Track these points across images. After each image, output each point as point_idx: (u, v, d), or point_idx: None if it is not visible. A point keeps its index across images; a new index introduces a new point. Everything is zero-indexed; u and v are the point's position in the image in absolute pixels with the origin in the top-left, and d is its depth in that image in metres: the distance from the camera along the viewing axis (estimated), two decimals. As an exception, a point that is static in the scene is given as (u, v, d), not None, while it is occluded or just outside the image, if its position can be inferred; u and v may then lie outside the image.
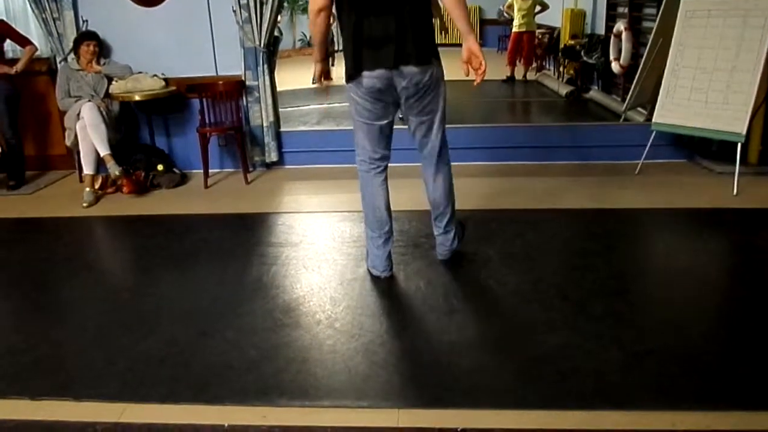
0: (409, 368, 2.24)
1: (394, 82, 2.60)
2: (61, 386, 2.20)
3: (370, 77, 2.60)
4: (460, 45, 2.64)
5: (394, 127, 2.85)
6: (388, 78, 2.59)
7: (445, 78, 2.75)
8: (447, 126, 2.85)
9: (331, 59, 10.47)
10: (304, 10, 14.08)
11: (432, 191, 2.92)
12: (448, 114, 2.84)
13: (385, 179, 2.88)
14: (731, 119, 3.97)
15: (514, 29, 8.90)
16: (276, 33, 4.66)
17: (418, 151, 2.88)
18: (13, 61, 4.54)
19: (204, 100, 4.52)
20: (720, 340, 2.37)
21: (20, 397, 2.15)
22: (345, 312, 2.63)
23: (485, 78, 2.63)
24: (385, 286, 2.88)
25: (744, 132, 3.92)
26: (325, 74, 2.97)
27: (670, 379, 2.10)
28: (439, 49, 2.71)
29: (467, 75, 2.68)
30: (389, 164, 2.89)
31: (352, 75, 2.64)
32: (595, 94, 7.22)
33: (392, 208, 2.92)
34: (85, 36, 4.47)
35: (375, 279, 2.92)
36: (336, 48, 11.45)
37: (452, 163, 2.92)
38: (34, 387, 2.20)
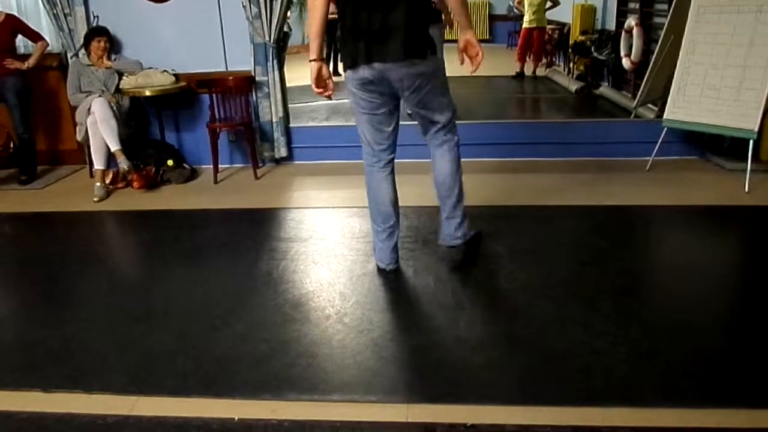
0: (418, 363, 2.25)
1: (388, 75, 2.60)
2: (72, 379, 2.22)
3: (364, 69, 2.60)
4: None
5: (401, 122, 2.84)
6: (381, 71, 2.59)
7: (453, 74, 2.74)
8: (457, 122, 2.84)
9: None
10: (314, 6, 14.05)
11: (437, 169, 2.87)
12: (455, 105, 2.83)
13: (391, 173, 2.87)
14: (743, 116, 3.94)
15: (525, 25, 8.85)
16: (285, 29, 4.67)
17: (422, 134, 2.86)
18: (25, 57, 4.57)
19: (214, 95, 4.53)
20: (730, 338, 2.36)
21: (32, 389, 2.17)
22: (354, 307, 2.64)
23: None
24: (394, 281, 2.88)
25: (756, 129, 3.89)
26: (324, 76, 2.65)
27: (679, 377, 2.10)
28: (445, 45, 2.70)
29: (462, 63, 2.69)
30: (397, 159, 2.88)
31: (348, 66, 2.66)
32: (605, 90, 7.16)
33: (401, 203, 2.93)
34: (96, 32, 4.50)
35: (384, 275, 2.93)
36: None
37: (462, 159, 2.90)
38: (46, 379, 2.22)
